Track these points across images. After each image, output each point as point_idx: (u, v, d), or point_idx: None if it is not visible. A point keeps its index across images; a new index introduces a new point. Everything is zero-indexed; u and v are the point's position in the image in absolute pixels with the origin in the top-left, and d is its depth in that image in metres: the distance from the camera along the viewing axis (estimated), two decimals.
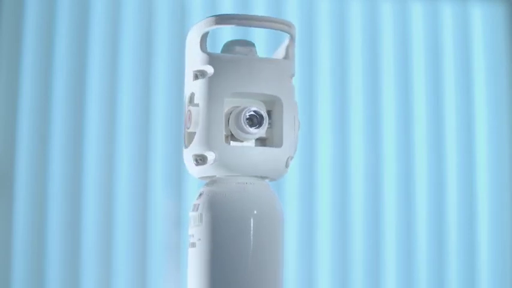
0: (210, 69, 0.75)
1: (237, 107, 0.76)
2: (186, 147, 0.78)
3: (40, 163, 1.75)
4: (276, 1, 1.90)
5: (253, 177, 0.76)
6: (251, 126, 0.75)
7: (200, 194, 0.76)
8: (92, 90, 1.79)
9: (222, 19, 0.76)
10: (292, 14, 1.89)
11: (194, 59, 0.76)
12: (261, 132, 0.76)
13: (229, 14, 0.77)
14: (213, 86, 0.75)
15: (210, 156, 0.75)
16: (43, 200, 1.75)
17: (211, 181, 0.77)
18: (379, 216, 1.88)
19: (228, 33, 1.60)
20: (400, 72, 1.94)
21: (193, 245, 0.75)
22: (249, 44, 0.78)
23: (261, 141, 0.78)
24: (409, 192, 1.91)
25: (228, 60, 0.76)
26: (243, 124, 0.75)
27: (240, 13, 0.81)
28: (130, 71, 1.81)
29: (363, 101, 1.91)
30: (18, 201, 1.74)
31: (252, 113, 0.75)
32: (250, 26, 0.77)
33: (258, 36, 1.74)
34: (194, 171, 0.78)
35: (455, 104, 1.95)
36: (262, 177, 0.77)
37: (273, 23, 0.77)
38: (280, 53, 0.80)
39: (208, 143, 0.75)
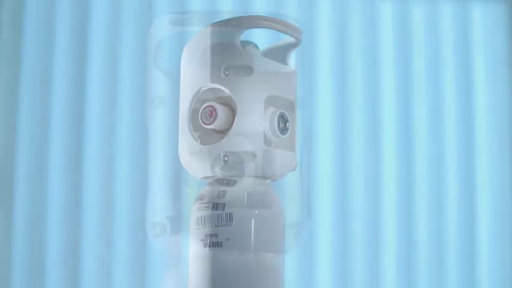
0: (250, 68, 0.73)
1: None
2: (202, 143, 0.75)
3: (40, 164, 1.75)
4: (276, 1, 1.89)
5: (258, 178, 0.75)
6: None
7: (220, 193, 0.74)
8: (92, 90, 1.79)
9: (269, 21, 0.74)
10: (291, 13, 1.89)
11: (224, 55, 0.73)
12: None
13: (274, 18, 0.75)
14: (257, 85, 0.73)
15: (258, 155, 0.72)
16: (43, 200, 1.74)
17: (222, 180, 0.75)
18: (379, 216, 1.88)
19: None
20: (400, 72, 1.93)
21: (216, 244, 0.73)
22: (257, 46, 0.78)
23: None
24: (409, 193, 1.91)
25: (265, 62, 0.74)
26: (276, 127, 0.74)
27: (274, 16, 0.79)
28: (130, 70, 1.81)
29: (362, 101, 1.91)
30: (18, 202, 1.74)
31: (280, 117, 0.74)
32: (280, 32, 0.75)
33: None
34: (200, 169, 0.75)
35: (455, 103, 1.95)
36: (265, 178, 0.76)
37: (294, 31, 0.77)
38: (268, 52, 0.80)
39: (250, 143, 0.72)
